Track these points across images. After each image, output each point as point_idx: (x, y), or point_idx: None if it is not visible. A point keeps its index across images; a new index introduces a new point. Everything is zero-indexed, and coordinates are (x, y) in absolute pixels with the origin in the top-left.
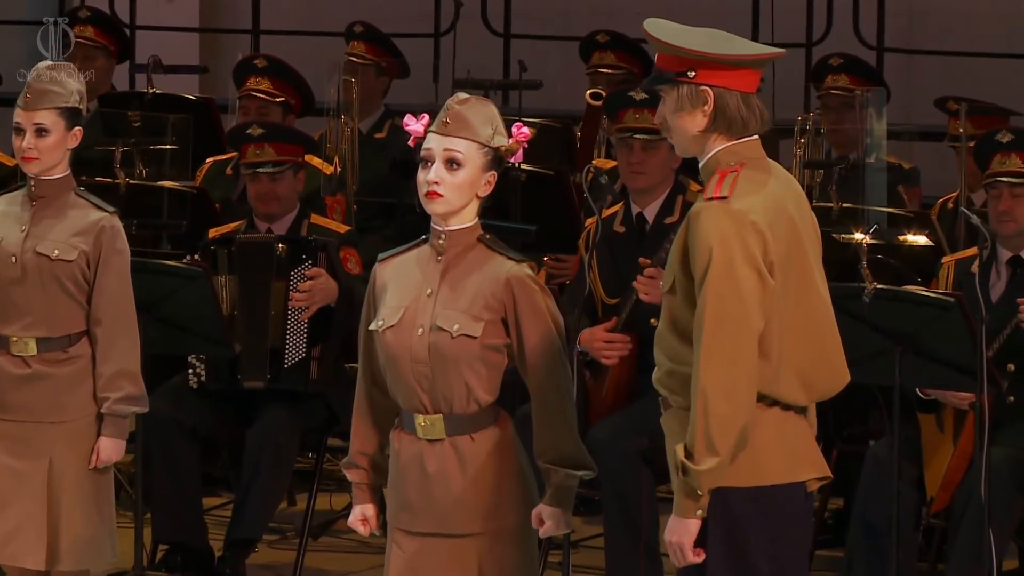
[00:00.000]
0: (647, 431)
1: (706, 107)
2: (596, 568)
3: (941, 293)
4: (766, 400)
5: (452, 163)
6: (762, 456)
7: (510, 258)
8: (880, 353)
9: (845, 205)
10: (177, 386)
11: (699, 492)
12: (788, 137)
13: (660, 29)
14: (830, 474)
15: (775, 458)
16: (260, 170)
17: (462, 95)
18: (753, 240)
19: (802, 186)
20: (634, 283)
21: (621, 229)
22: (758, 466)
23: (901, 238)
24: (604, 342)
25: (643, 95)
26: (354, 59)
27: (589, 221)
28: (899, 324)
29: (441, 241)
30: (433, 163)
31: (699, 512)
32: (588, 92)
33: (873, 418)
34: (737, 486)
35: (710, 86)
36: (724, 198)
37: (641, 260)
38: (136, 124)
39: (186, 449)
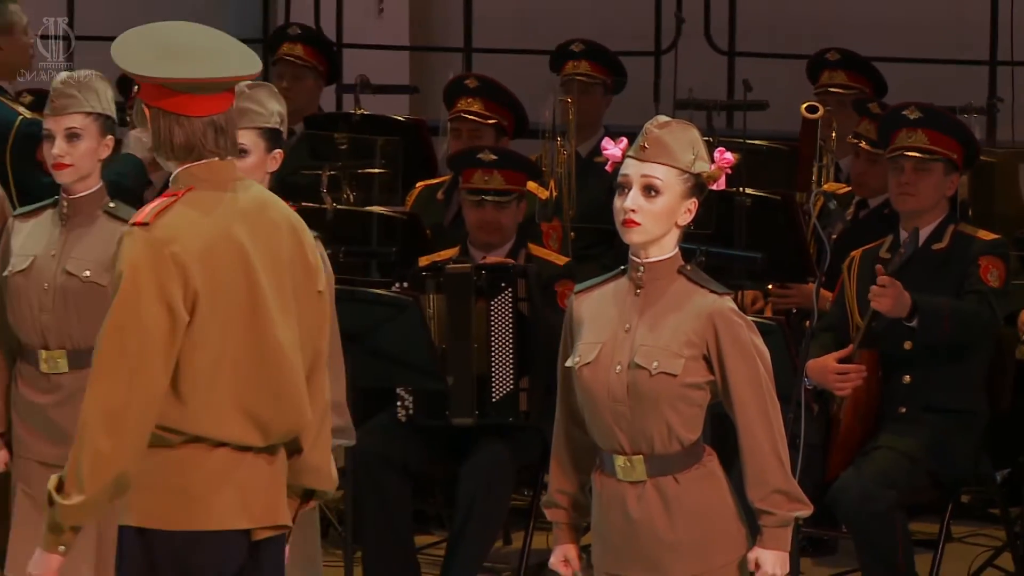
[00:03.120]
0: (891, 482)
1: (148, 126)
2: None
3: None
4: (209, 441)
5: (650, 190)
6: (199, 499)
7: (712, 291)
8: None
9: None
10: (386, 421)
11: (62, 527)
12: None
13: (119, 43)
14: (290, 524)
15: (217, 503)
16: (487, 197)
17: (662, 118)
18: (169, 272)
19: None
20: (870, 294)
21: (886, 256)
22: (192, 510)
23: None
24: (837, 373)
25: (918, 113)
26: (580, 78)
27: (855, 252)
28: None
29: (640, 273)
30: (630, 190)
31: (61, 548)
32: (804, 105)
33: None
34: (163, 528)
35: (148, 105)
36: (145, 224)
37: (877, 268)
38: (343, 147)
39: (398, 486)
